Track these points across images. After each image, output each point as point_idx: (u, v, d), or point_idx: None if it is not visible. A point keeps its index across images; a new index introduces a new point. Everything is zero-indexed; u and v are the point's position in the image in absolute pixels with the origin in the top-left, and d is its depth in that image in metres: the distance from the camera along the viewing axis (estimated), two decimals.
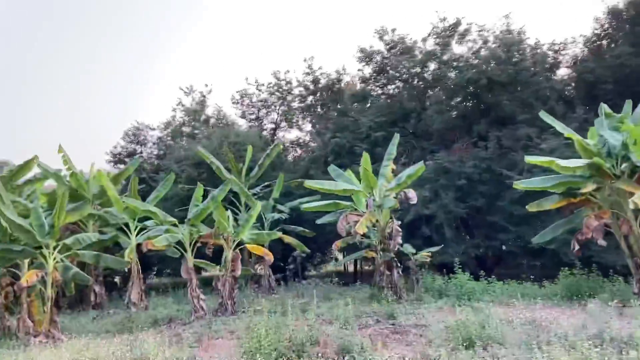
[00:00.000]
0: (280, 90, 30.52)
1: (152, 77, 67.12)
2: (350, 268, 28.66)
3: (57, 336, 12.46)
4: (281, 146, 21.74)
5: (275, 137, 31.65)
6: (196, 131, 31.43)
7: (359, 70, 24.75)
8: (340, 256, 30.49)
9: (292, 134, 34.90)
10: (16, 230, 12.33)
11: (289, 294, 17.56)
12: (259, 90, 31.75)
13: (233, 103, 32.76)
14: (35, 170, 22.54)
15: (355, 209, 15.70)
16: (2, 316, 13.15)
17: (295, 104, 30.50)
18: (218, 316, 14.09)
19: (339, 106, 24.86)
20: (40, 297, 13.87)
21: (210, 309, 14.84)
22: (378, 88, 24.37)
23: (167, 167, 25.89)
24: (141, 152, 31.59)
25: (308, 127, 31.62)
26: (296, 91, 30.13)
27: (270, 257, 14.91)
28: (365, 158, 15.52)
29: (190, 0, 65.57)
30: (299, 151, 31.46)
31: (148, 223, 19.40)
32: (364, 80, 24.41)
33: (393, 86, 23.61)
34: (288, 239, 19.67)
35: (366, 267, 28.55)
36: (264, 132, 32.05)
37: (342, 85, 25.50)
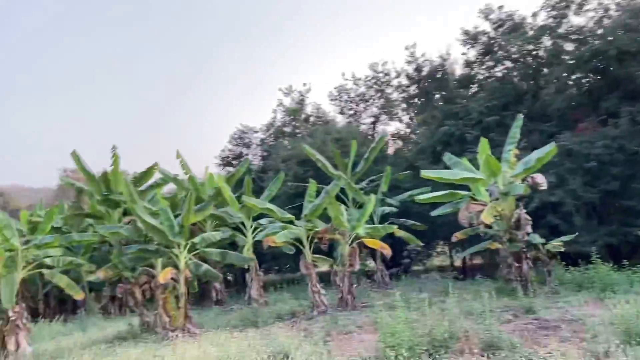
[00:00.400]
0: (379, 82, 30.14)
1: (252, 80, 68.84)
2: (454, 261, 27.56)
3: (192, 330, 13.04)
4: (386, 139, 21.27)
5: (374, 131, 31.32)
6: (297, 130, 31.95)
7: (462, 54, 23.66)
8: (446, 249, 29.65)
9: (392, 127, 34.33)
10: (151, 231, 13.08)
11: (406, 288, 17.12)
12: (357, 85, 31.65)
13: (331, 100, 32.97)
14: (155, 177, 24.35)
15: (474, 198, 14.88)
16: (142, 312, 14.03)
17: (395, 96, 29.98)
18: (339, 311, 14.00)
19: (443, 93, 23.87)
20: (173, 293, 14.69)
21: (329, 304, 14.82)
22: (484, 71, 23.08)
23: (273, 166, 26.50)
24: (247, 154, 32.70)
25: (407, 118, 30.95)
26: (395, 82, 29.64)
27: (387, 251, 14.59)
28: (484, 143, 14.68)
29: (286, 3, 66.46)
30: (400, 143, 30.88)
31: (262, 221, 19.94)
32: (469, 64, 23.25)
33: (501, 67, 22.21)
34: (400, 232, 19.21)
35: (474, 261, 27.29)
36: (363, 127, 31.89)
37: (446, 70, 24.46)
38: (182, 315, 13.21)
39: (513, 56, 21.14)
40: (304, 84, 32.79)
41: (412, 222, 20.30)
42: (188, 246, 13.66)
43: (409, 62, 25.99)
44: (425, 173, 13.99)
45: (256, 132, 33.77)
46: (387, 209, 20.18)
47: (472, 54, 22.80)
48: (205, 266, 12.92)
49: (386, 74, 29.86)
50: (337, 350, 9.05)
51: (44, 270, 13.10)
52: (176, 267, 13.52)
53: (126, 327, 14.01)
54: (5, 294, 12.31)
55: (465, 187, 15.23)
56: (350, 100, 31.97)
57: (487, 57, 22.18)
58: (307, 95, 32.24)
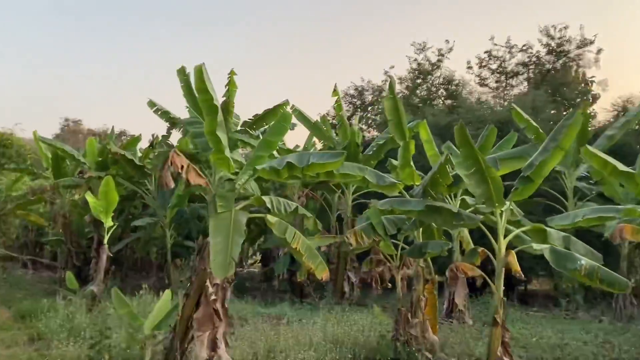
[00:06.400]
0: (554, 51, 24.13)
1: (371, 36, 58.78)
2: None
3: None
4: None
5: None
6: (430, 95, 25.85)
7: None
8: None
9: None
10: (474, 180, 7.00)
11: None
12: (510, 53, 25.55)
13: (467, 68, 26.89)
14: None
15: None
16: (405, 312, 7.93)
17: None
18: None
19: None
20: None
21: None
22: None
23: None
24: (361, 114, 26.59)
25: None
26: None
27: None
28: None
29: None
30: None
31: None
32: None
33: None
34: None
35: None
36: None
37: None
38: (496, 339, 7.25)
39: None
40: (447, 41, 26.38)
41: None
42: (505, 216, 7.69)
43: None
44: None
45: (366, 90, 27.58)
46: None
47: None
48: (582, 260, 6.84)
49: (566, 41, 23.90)
50: None
51: (271, 218, 7.04)
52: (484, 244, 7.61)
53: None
54: (217, 247, 6.30)
55: None
56: (499, 71, 25.88)
57: None
58: (448, 56, 25.97)
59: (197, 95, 7.09)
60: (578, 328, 11.58)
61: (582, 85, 24.43)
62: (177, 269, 17.37)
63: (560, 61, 24.47)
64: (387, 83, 28.03)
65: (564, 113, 23.06)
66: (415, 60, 26.13)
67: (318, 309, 12.21)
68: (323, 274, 7.13)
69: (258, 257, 25.08)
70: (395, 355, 7.57)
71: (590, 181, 15.30)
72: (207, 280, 6.65)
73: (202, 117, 8.19)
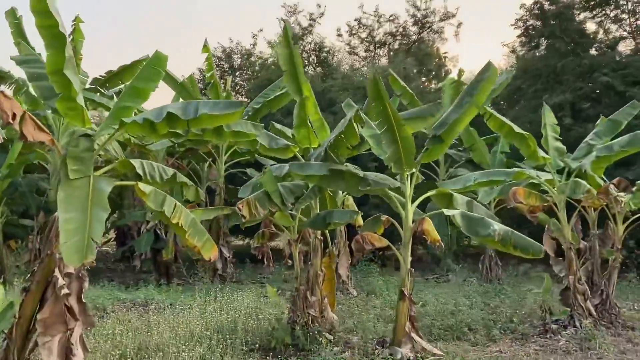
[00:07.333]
0: (420, 22, 24.72)
1: None
2: None
3: (426, 348, 6.61)
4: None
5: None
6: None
7: None
8: None
9: None
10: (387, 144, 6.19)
11: None
12: (379, 23, 25.71)
13: (338, 35, 26.56)
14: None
15: None
16: (298, 288, 6.96)
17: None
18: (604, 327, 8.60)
19: None
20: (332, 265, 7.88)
21: None
22: None
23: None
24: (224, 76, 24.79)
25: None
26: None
27: None
28: None
29: None
30: None
31: None
32: None
33: None
34: None
35: None
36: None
37: None
38: (404, 314, 6.69)
39: None
40: (318, 6, 25.51)
41: None
42: (414, 181, 7.08)
43: None
44: None
45: (234, 53, 25.77)
46: None
47: None
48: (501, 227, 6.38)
49: (431, 12, 24.62)
50: None
51: (143, 187, 5.48)
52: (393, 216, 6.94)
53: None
54: (69, 226, 4.64)
55: None
56: (368, 41, 25.91)
57: None
58: (319, 21, 25.23)
59: (35, 19, 5.15)
60: (454, 292, 11.77)
61: (437, 59, 25.61)
62: (12, 253, 14.59)
63: (425, 33, 25.26)
64: (255, 46, 26.75)
65: (421, 86, 24.18)
66: (284, 20, 24.97)
67: (190, 290, 10.83)
68: (211, 252, 5.83)
69: (112, 234, 22.44)
70: (293, 340, 6.62)
71: (459, 148, 15.82)
72: (56, 269, 4.96)
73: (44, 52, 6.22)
